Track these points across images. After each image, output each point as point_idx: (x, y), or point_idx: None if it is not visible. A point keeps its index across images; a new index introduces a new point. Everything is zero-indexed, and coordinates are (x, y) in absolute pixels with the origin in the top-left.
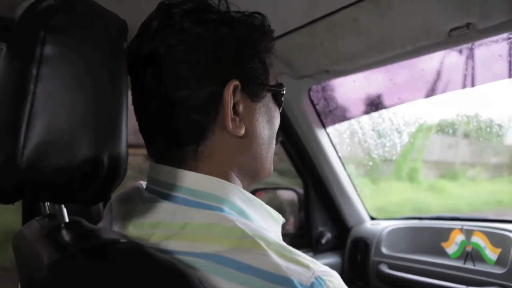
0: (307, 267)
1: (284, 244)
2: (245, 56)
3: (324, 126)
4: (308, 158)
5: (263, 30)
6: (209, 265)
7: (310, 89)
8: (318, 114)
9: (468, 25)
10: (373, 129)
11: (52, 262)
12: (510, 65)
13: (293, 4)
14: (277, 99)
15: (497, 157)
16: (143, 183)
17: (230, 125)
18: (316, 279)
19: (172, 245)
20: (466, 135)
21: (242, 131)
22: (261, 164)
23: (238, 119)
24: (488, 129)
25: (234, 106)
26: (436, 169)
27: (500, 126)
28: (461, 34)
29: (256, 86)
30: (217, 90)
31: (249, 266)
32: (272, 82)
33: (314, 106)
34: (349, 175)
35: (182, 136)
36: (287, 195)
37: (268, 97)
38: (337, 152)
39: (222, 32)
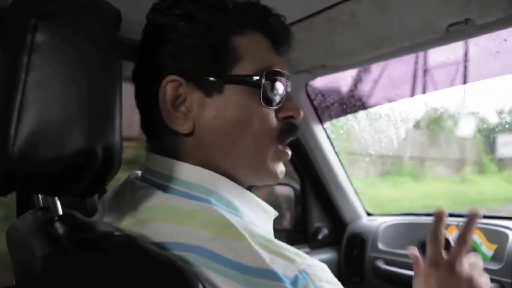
0: (291, 260)
1: (269, 236)
2: (195, 47)
3: (321, 122)
4: (304, 154)
5: (231, 10)
6: (195, 258)
7: (307, 84)
8: (315, 109)
9: (466, 20)
10: None
11: (45, 254)
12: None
13: None
14: (259, 91)
15: (453, 151)
16: (139, 173)
17: (166, 121)
18: (300, 272)
19: (157, 225)
20: (418, 126)
21: (186, 129)
22: (235, 166)
23: (183, 116)
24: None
25: (183, 101)
26: (381, 164)
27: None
28: (460, 30)
29: (205, 79)
30: (157, 86)
31: (232, 261)
32: (259, 70)
33: (311, 101)
34: (346, 171)
35: (147, 129)
36: (284, 191)
37: (237, 90)
38: (334, 148)
39: (178, 25)
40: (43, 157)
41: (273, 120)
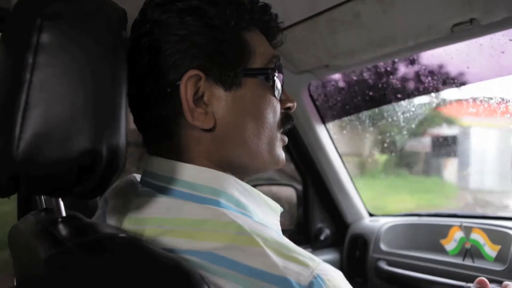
0: (305, 265)
1: (282, 240)
2: (211, 43)
3: (323, 122)
4: (307, 154)
5: (240, 7)
6: (204, 263)
7: (309, 84)
8: (317, 110)
9: (471, 20)
10: None
11: (48, 256)
12: None
13: None
14: (270, 84)
15: None
16: (137, 176)
17: (189, 118)
18: (315, 278)
19: (165, 241)
20: None
21: (209, 124)
22: (251, 157)
23: (204, 111)
24: None
25: (202, 97)
26: None
27: None
28: (464, 30)
29: (225, 74)
30: (175, 82)
31: (245, 266)
32: (268, 63)
33: (313, 101)
34: (348, 172)
35: (155, 131)
36: (286, 191)
37: (253, 83)
38: (336, 148)
39: (186, 20)
40: (48, 158)
41: (279, 111)
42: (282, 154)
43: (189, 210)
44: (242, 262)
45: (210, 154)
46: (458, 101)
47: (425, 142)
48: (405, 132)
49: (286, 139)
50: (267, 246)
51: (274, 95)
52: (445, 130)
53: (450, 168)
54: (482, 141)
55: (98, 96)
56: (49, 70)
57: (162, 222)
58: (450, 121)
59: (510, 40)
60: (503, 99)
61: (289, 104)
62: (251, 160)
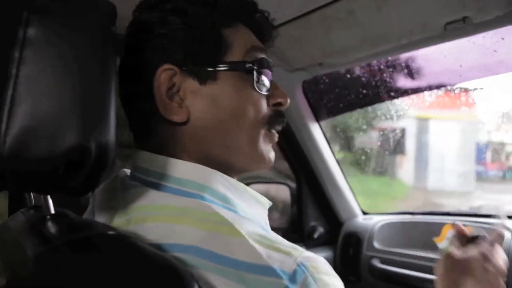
0: (288, 254)
1: (265, 233)
2: (185, 39)
3: (317, 120)
4: (301, 152)
5: (219, 3)
6: (191, 258)
7: (303, 82)
8: (311, 108)
9: (464, 19)
10: None
11: (37, 254)
12: None
13: None
14: (251, 77)
15: None
16: (128, 171)
17: (162, 111)
18: (298, 265)
19: (149, 227)
20: None
21: (182, 117)
22: (230, 153)
23: (179, 105)
24: None
25: (178, 92)
26: None
27: None
28: (457, 28)
29: (200, 67)
30: (150, 78)
31: (229, 259)
32: (247, 56)
33: (307, 99)
34: (342, 170)
35: (139, 126)
36: (280, 190)
37: (231, 77)
38: (330, 147)
39: (168, 20)
40: (35, 154)
41: (265, 107)
42: (269, 152)
43: (174, 199)
44: (227, 255)
45: (190, 150)
46: (416, 91)
47: (377, 138)
48: (355, 127)
49: (275, 136)
50: (249, 236)
51: (256, 89)
52: (400, 124)
53: (405, 166)
54: (443, 135)
55: (86, 92)
56: (36, 65)
57: (146, 209)
58: (406, 114)
59: (502, 38)
60: (466, 89)
61: (279, 100)
62: (231, 157)
